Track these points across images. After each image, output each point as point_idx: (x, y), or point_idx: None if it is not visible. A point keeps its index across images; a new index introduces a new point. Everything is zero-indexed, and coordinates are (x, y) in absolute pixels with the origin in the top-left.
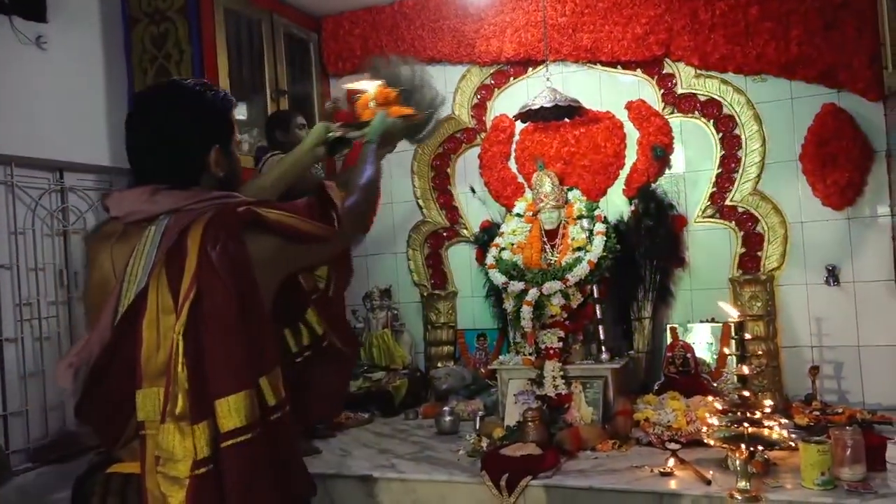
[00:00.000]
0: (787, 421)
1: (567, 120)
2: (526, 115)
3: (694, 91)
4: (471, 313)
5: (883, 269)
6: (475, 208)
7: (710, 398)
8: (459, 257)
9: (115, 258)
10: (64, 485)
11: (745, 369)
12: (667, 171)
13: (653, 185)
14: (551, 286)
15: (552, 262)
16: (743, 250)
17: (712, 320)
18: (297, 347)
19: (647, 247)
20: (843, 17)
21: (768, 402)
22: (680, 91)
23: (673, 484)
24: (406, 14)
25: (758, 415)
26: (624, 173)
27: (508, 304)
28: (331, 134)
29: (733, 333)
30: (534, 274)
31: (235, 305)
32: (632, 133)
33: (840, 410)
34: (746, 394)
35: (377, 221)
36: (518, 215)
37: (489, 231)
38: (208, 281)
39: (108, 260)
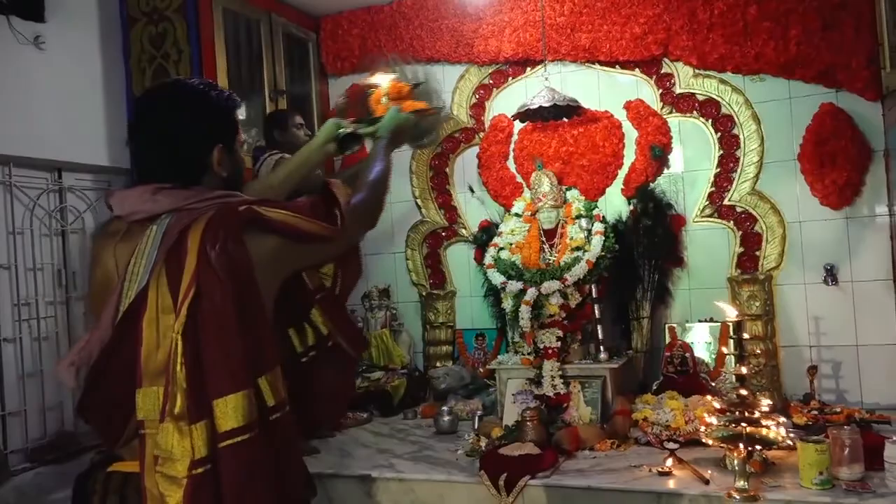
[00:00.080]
0: (785, 420)
1: (565, 120)
2: (524, 115)
3: (692, 91)
4: (469, 313)
5: (881, 269)
6: (474, 208)
7: (708, 398)
8: (458, 257)
9: (118, 257)
10: (62, 485)
11: (744, 369)
12: (665, 171)
13: (651, 185)
14: (550, 286)
15: (551, 261)
16: (741, 250)
17: (711, 320)
18: (301, 347)
19: (646, 246)
20: (841, 17)
21: (766, 402)
22: (678, 91)
23: (671, 483)
24: (405, 14)
25: (756, 414)
26: (622, 173)
27: (507, 304)
28: (341, 130)
29: (732, 333)
30: (532, 274)
31: (234, 305)
32: (630, 133)
33: (838, 410)
34: (745, 393)
35: None
36: (517, 215)
37: (488, 231)
38: (207, 280)
39: (111, 258)
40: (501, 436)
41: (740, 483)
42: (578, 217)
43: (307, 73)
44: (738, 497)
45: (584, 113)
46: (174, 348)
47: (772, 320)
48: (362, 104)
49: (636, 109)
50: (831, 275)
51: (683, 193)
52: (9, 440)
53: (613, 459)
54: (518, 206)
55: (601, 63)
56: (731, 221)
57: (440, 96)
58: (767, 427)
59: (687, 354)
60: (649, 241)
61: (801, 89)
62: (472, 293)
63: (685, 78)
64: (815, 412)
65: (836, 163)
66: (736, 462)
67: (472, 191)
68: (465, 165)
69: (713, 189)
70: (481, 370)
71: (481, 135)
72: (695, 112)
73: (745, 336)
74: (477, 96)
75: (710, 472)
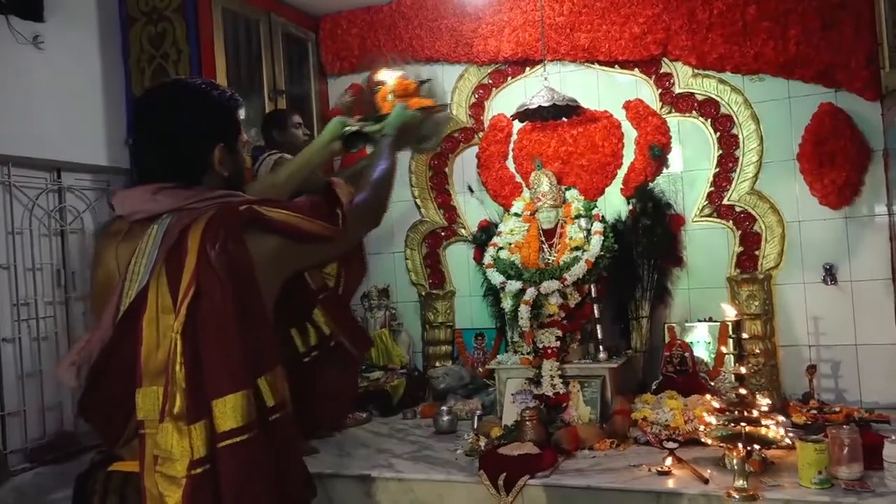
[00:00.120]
0: (784, 420)
1: (565, 119)
2: (524, 115)
3: (691, 90)
4: (469, 313)
5: (880, 268)
6: (473, 208)
7: (707, 397)
8: (457, 257)
9: (119, 256)
10: (61, 485)
11: (743, 368)
12: (664, 171)
13: (650, 185)
14: (549, 285)
15: (550, 261)
16: (740, 249)
17: (710, 319)
18: (304, 347)
19: (645, 246)
20: (840, 17)
21: (766, 401)
22: (678, 90)
23: (670, 483)
24: (404, 13)
25: (755, 414)
26: (622, 173)
27: (506, 304)
28: (347, 128)
29: (731, 332)
30: (531, 273)
31: (233, 305)
32: (629, 132)
33: (837, 409)
34: (744, 393)
35: None
36: (516, 215)
37: (487, 230)
38: (207, 280)
39: (112, 258)
40: (501, 435)
41: (739, 482)
42: (578, 217)
43: (306, 72)
44: (737, 496)
45: (583, 113)
46: (173, 348)
47: (771, 320)
48: (368, 101)
49: (635, 109)
50: (830, 274)
51: (682, 193)
52: (8, 440)
53: (613, 459)
54: (517, 205)
55: (600, 63)
56: (731, 221)
57: (445, 94)
58: (766, 426)
59: (686, 354)
60: (648, 240)
61: (800, 89)
62: (472, 293)
63: (684, 78)
64: (814, 411)
65: (835, 162)
66: (735, 461)
67: (471, 190)
68: (465, 165)
69: (712, 189)
70: (480, 370)
71: (480, 134)
72: (694, 112)
73: (745, 335)
74: (476, 96)
75: (709, 471)
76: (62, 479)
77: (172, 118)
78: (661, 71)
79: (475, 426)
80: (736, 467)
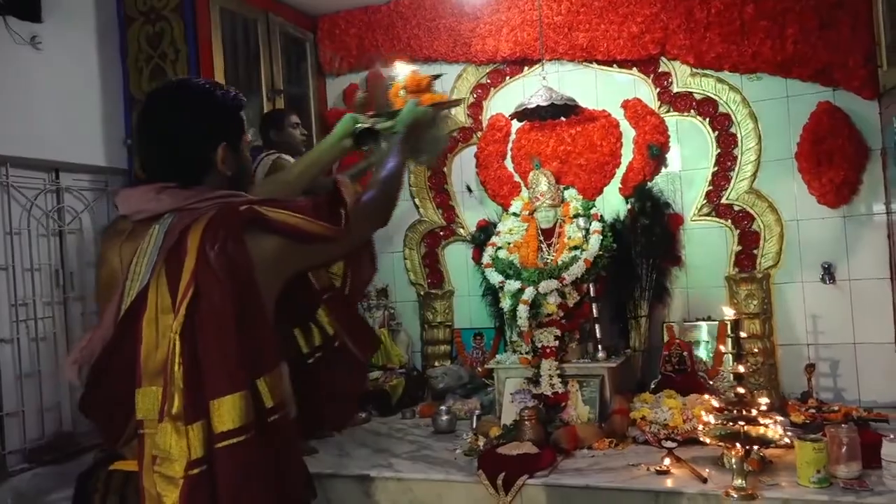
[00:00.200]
0: (783, 419)
1: (563, 119)
2: (522, 114)
3: (690, 90)
4: (467, 312)
5: (879, 267)
6: (472, 207)
7: (706, 396)
8: (456, 256)
9: (123, 256)
10: (60, 485)
11: (741, 367)
12: (663, 170)
13: (649, 184)
14: (548, 285)
15: (548, 260)
16: (739, 248)
17: (708, 318)
18: (308, 348)
19: (644, 245)
20: (838, 16)
21: (764, 400)
22: (676, 90)
23: (669, 482)
24: (402, 13)
25: (754, 413)
26: (620, 172)
27: (505, 303)
28: (358, 125)
29: (729, 331)
30: (530, 273)
31: (232, 306)
32: (628, 132)
33: (836, 408)
34: (742, 392)
35: None
36: (514, 214)
37: (486, 230)
38: (206, 280)
39: (116, 257)
40: (500, 435)
41: (738, 481)
42: (576, 216)
43: (304, 72)
44: (735, 495)
45: (581, 112)
46: (172, 348)
47: (769, 319)
48: (382, 97)
49: (634, 108)
50: (829, 273)
51: (681, 192)
52: (7, 441)
53: (611, 458)
54: (516, 205)
55: (598, 62)
56: (729, 220)
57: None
58: (765, 425)
59: (685, 353)
60: (647, 240)
61: (798, 88)
62: (470, 292)
63: (682, 77)
64: (813, 410)
65: (833, 161)
66: (734, 460)
67: (469, 190)
68: (463, 165)
69: (711, 188)
70: (479, 369)
71: (479, 134)
72: (692, 111)
73: (743, 334)
74: (475, 96)
75: (707, 470)
76: (61, 479)
77: (173, 118)
78: (660, 70)
79: (474, 426)
80: (734, 466)
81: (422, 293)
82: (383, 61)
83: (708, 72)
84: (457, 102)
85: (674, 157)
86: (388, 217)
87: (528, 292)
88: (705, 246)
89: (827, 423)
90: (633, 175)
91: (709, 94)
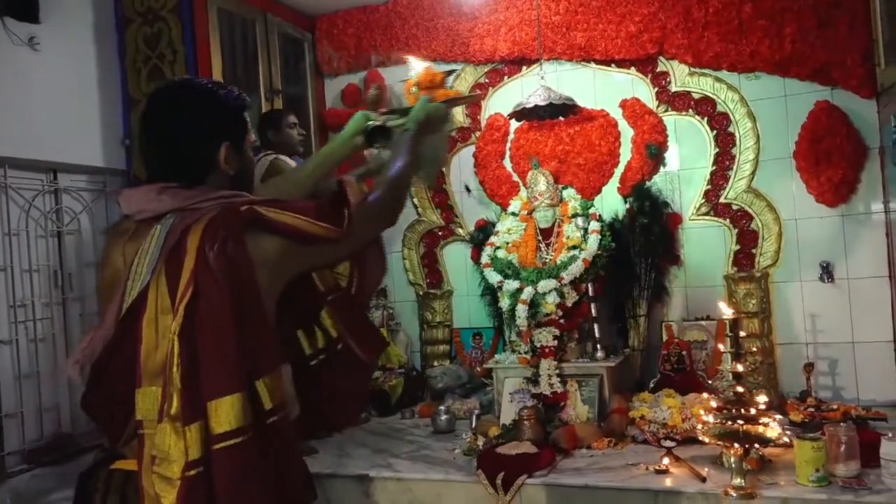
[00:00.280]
0: (781, 417)
1: (561, 118)
2: (520, 114)
3: (688, 89)
4: (466, 312)
5: (877, 266)
6: (470, 207)
7: (705, 395)
8: (455, 256)
9: (126, 255)
10: (59, 486)
11: (740, 366)
12: (661, 169)
13: (647, 183)
14: (546, 284)
15: (547, 260)
16: (737, 248)
17: (707, 318)
18: (310, 350)
19: (642, 245)
20: (836, 15)
21: (763, 399)
22: (674, 89)
23: (668, 481)
24: (400, 13)
25: (753, 412)
26: (618, 171)
27: (504, 303)
28: (370, 123)
29: (728, 331)
30: (529, 272)
31: (231, 306)
32: (626, 131)
33: (835, 407)
34: (741, 391)
35: None
36: (513, 214)
37: (484, 230)
38: (205, 281)
39: (119, 257)
40: (499, 435)
41: (737, 480)
42: (575, 216)
43: (303, 72)
44: (734, 494)
45: (579, 112)
46: (171, 349)
47: (768, 318)
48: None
49: (632, 108)
50: (827, 272)
51: (679, 191)
52: (6, 442)
53: (610, 458)
54: (514, 205)
55: (597, 62)
56: (728, 219)
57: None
58: (764, 424)
59: (684, 352)
60: (646, 239)
61: (796, 87)
62: (469, 292)
63: (680, 76)
64: (812, 409)
65: (831, 160)
66: (733, 459)
67: (468, 190)
68: (462, 164)
69: (709, 187)
70: (478, 369)
71: (477, 134)
72: (690, 110)
73: (742, 333)
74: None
75: (706, 469)
76: (60, 480)
77: (174, 118)
78: (658, 69)
79: (473, 425)
80: (733, 465)
81: (421, 293)
82: (382, 61)
83: (706, 71)
84: (472, 98)
85: (672, 156)
86: (395, 217)
87: (527, 292)
88: (704, 245)
89: (826, 421)
90: (632, 174)
91: (707, 94)
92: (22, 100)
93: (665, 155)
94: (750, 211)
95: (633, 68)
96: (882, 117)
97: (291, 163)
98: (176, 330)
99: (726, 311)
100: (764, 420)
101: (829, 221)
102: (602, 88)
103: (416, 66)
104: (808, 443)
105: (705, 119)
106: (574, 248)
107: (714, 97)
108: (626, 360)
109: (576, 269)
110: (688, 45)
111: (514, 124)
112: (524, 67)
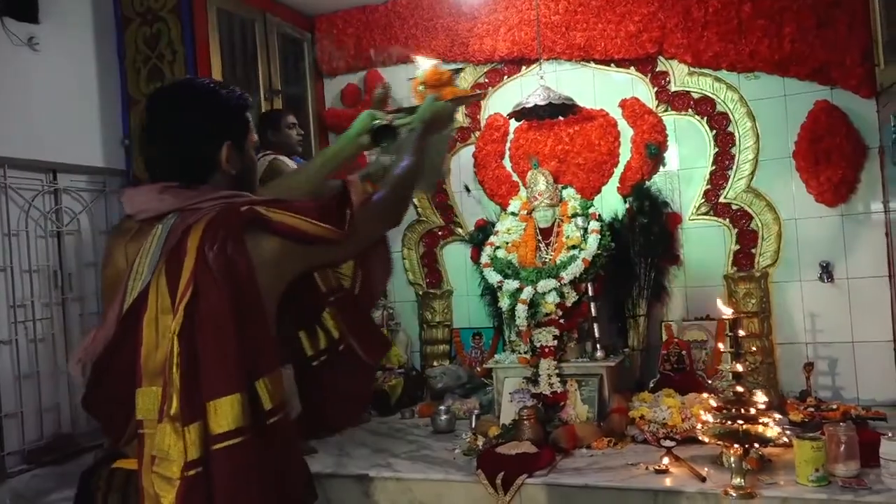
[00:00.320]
0: (781, 417)
1: (561, 118)
2: (520, 114)
3: (687, 89)
4: (466, 312)
5: (877, 266)
6: (470, 207)
7: (705, 395)
8: (454, 256)
9: (128, 255)
10: (59, 486)
11: (740, 366)
12: (661, 169)
13: (647, 183)
14: (546, 284)
15: (547, 260)
16: (737, 247)
17: (707, 317)
18: (312, 350)
19: (642, 244)
20: (835, 15)
21: (763, 399)
22: (673, 89)
23: (668, 481)
24: (399, 13)
25: (752, 411)
26: (618, 171)
27: (503, 303)
28: (376, 122)
29: (728, 330)
30: (528, 272)
31: (230, 307)
32: (626, 131)
33: (834, 406)
34: (741, 390)
35: None
36: (513, 214)
37: (484, 230)
38: (205, 281)
39: (121, 257)
40: (498, 434)
41: (737, 480)
42: (574, 215)
43: (302, 72)
44: (734, 494)
45: (579, 111)
46: (171, 349)
47: (768, 317)
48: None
49: (631, 108)
50: (827, 272)
51: (679, 191)
52: (6, 442)
53: (610, 457)
54: (514, 204)
55: (596, 61)
56: (727, 219)
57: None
58: (764, 424)
59: (683, 352)
60: (645, 239)
61: (795, 87)
62: (469, 292)
63: (680, 76)
64: (812, 409)
65: (830, 160)
66: (732, 459)
67: (468, 190)
68: (462, 164)
69: (709, 187)
70: (478, 369)
71: (477, 134)
72: (690, 110)
73: (742, 333)
74: None
75: (706, 469)
76: (60, 480)
77: (175, 117)
78: (657, 69)
79: (473, 425)
80: (733, 465)
81: (420, 293)
82: (382, 58)
83: (705, 71)
84: (479, 96)
85: (672, 156)
86: (399, 218)
87: (527, 292)
88: (703, 245)
89: (825, 421)
90: (632, 174)
91: (706, 93)
92: (21, 100)
93: (664, 155)
94: (749, 211)
95: (632, 68)
96: (881, 117)
97: (291, 163)
98: (175, 330)
99: (726, 311)
100: (764, 420)
101: (829, 221)
102: (601, 88)
103: (424, 65)
104: (807, 442)
105: (705, 119)
106: (574, 247)
107: (713, 97)
108: (626, 359)
109: (575, 268)
110: (687, 45)
111: (513, 124)
112: (523, 67)
